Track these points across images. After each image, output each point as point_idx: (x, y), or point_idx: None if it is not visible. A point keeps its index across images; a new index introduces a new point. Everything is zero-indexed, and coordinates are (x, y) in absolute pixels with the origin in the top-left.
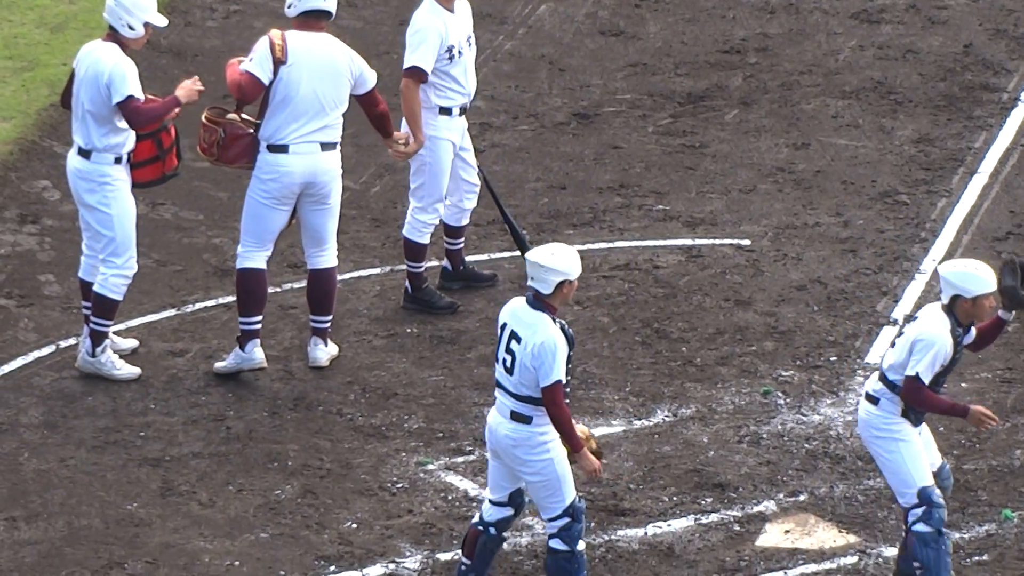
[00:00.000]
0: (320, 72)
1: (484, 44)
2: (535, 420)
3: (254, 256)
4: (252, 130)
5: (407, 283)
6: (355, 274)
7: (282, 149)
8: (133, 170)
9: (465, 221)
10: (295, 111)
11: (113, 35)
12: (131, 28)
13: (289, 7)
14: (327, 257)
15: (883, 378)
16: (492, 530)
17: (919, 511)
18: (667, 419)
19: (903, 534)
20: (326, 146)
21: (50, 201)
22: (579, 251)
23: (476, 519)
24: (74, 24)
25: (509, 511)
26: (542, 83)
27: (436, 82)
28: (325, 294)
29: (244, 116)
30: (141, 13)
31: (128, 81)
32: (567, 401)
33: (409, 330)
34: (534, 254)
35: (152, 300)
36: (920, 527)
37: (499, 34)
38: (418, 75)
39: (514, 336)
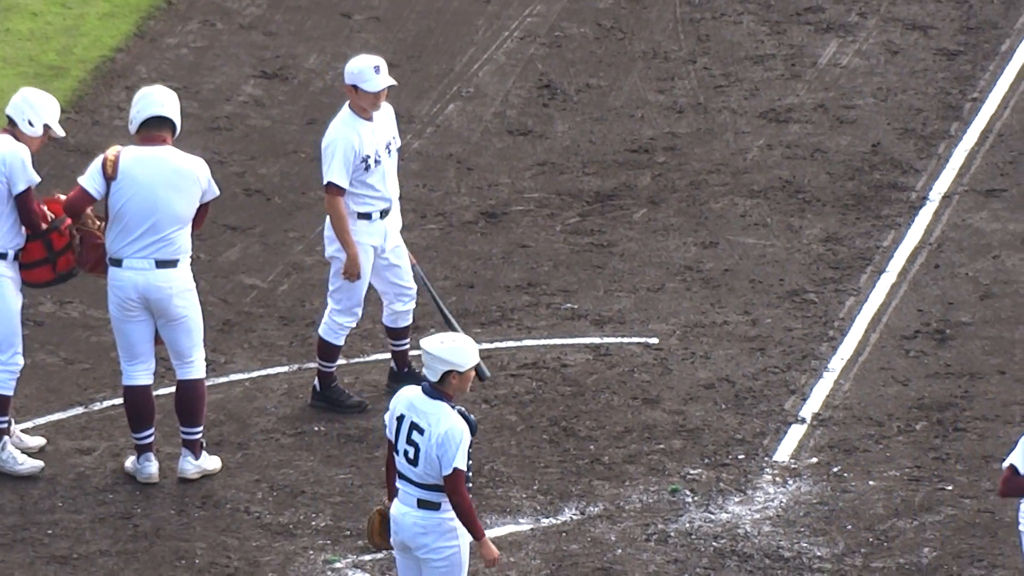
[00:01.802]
0: (152, 189)
1: None
2: (443, 506)
3: (130, 372)
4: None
5: (316, 381)
6: (263, 372)
7: (117, 263)
8: (23, 270)
9: (403, 323)
10: (126, 227)
11: (11, 130)
12: (31, 124)
13: (130, 123)
14: (191, 369)
15: None
16: None
17: None
18: (575, 517)
19: None
20: (162, 263)
21: None
22: (487, 350)
23: None
24: None
25: None
26: (450, 182)
27: (352, 191)
28: (191, 405)
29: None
30: (43, 113)
31: (29, 170)
32: (469, 486)
33: (317, 428)
34: (426, 341)
35: (59, 398)
36: None
37: (407, 133)
38: (335, 190)
39: (415, 427)
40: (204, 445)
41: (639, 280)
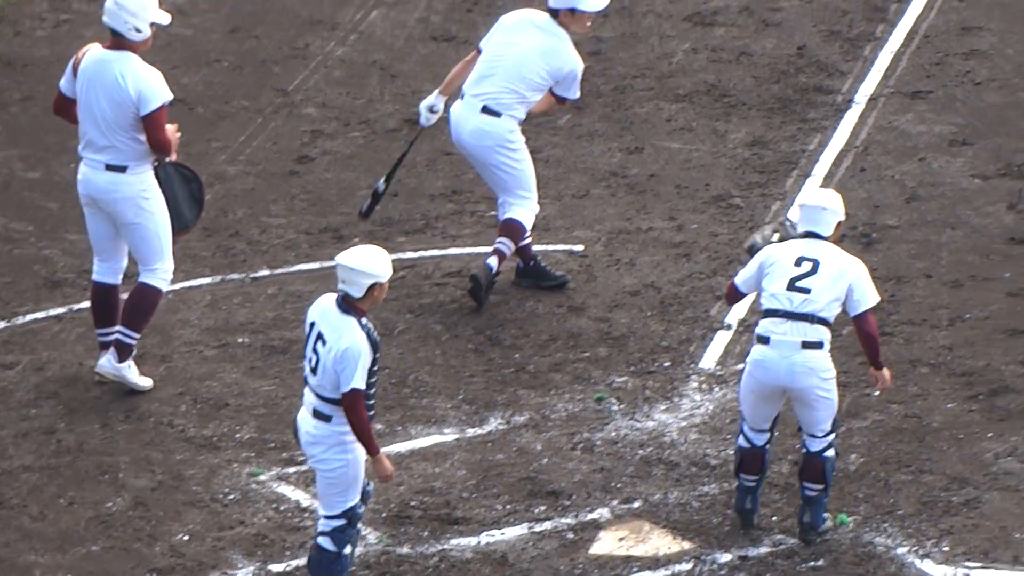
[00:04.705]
0: (96, 92)
1: (315, 50)
2: (335, 419)
3: (96, 267)
4: None
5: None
6: (185, 284)
7: (80, 160)
8: None
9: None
10: (81, 126)
11: (117, 42)
12: (138, 31)
13: None
14: (150, 275)
15: (822, 321)
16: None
17: (832, 437)
18: (500, 427)
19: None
20: (111, 167)
21: None
22: (412, 259)
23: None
24: None
25: (360, 506)
26: (374, 89)
27: (528, 98)
28: (135, 308)
29: None
30: (146, 14)
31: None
32: (372, 412)
33: (240, 340)
34: (344, 257)
35: None
36: (830, 452)
37: (330, 40)
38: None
39: (321, 338)
40: (133, 354)
41: (564, 187)
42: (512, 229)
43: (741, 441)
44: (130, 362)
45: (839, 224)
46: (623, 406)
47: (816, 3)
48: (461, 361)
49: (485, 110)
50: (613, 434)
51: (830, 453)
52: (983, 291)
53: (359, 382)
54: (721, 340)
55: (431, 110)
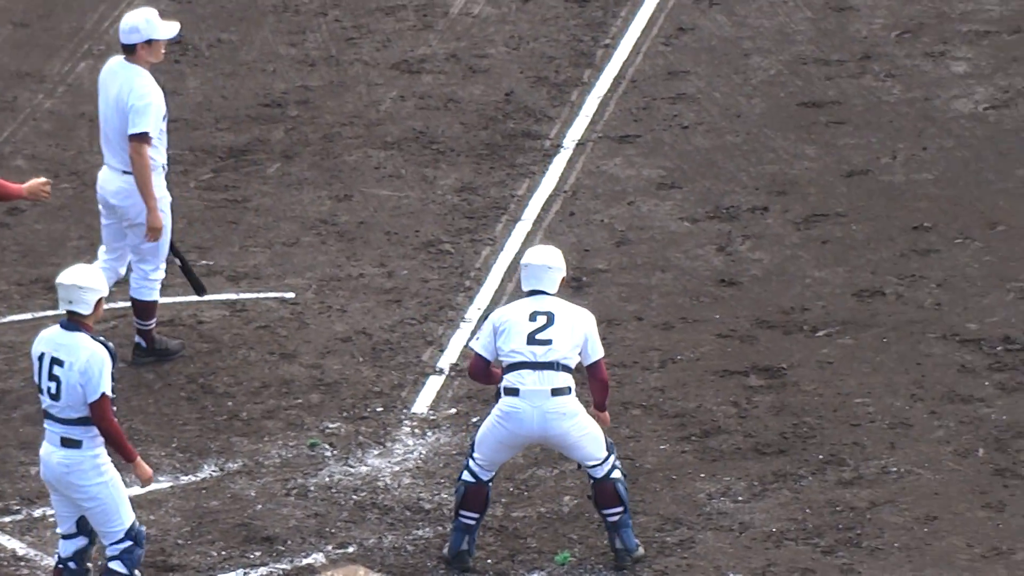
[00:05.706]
0: None
1: (23, 103)
2: (85, 444)
3: None
4: None
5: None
6: None
7: None
8: None
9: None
10: None
11: None
12: None
13: None
14: None
15: (566, 368)
16: (72, 564)
17: (612, 459)
18: (214, 474)
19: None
20: None
21: None
22: (123, 308)
23: (56, 558)
24: None
25: (82, 541)
26: (83, 141)
27: (157, 143)
28: None
29: None
30: None
31: None
32: (115, 409)
33: None
34: (68, 277)
35: None
36: (616, 473)
37: (38, 92)
38: (149, 140)
39: (56, 361)
40: None
41: (274, 235)
42: (144, 310)
43: (466, 476)
44: None
45: (563, 279)
46: (336, 452)
47: (523, 49)
48: (174, 409)
49: (124, 172)
50: (327, 479)
51: (616, 474)
52: (694, 333)
53: (106, 387)
54: (433, 385)
55: None
